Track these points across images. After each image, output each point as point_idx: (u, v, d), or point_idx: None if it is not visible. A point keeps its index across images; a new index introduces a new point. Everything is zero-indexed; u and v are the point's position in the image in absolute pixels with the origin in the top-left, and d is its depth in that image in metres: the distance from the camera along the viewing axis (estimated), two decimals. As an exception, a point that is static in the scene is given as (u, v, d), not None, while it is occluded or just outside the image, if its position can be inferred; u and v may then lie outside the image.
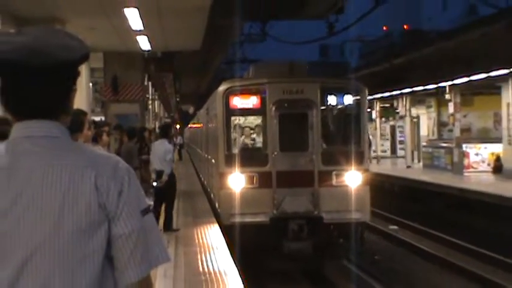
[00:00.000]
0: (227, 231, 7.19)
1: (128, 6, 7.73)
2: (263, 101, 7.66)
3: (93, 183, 1.09)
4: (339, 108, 7.91)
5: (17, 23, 7.66)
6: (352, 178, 7.53)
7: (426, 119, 20.01)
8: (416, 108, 19.59)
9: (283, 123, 7.59)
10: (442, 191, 12.97)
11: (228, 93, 7.75)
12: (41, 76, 1.09)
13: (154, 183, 7.54)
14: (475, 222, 11.18)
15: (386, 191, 14.38)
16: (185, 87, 26.62)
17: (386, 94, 17.99)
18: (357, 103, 7.85)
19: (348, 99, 7.82)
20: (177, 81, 22.13)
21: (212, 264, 5.50)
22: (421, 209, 13.30)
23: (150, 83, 16.85)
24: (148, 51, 12.05)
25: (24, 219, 1.08)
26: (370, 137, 14.19)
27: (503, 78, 12.94)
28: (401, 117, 19.58)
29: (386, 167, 18.36)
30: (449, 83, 14.63)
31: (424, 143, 18.89)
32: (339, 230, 7.54)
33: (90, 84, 11.61)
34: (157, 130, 13.45)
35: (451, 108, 15.75)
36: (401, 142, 21.80)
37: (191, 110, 33.94)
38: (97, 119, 9.73)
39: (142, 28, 9.17)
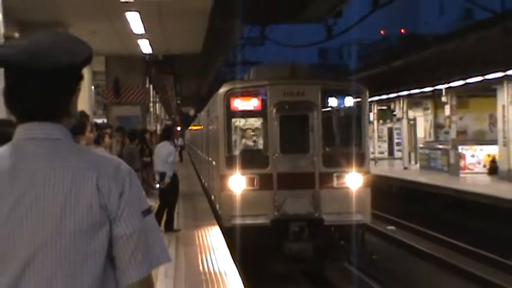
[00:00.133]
0: (228, 233, 7.17)
1: (129, 10, 7.81)
2: (264, 103, 7.65)
3: (94, 184, 1.10)
4: (340, 110, 7.89)
5: (20, 27, 7.74)
6: (353, 180, 7.51)
7: (423, 121, 20.17)
8: (413, 111, 19.75)
9: (284, 125, 7.58)
10: (438, 192, 13.12)
11: (229, 95, 7.73)
12: (43, 79, 1.10)
13: (157, 185, 7.61)
14: (471, 223, 11.29)
15: (383, 192, 14.51)
16: (186, 90, 26.66)
17: (384, 97, 18.14)
18: (358, 105, 7.84)
19: (349, 101, 7.80)
20: (177, 83, 22.14)
21: (212, 265, 5.54)
22: (418, 209, 13.41)
23: (151, 86, 16.85)
24: (150, 54, 12.11)
25: (27, 220, 1.09)
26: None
27: (499, 81, 13.10)
28: (399, 120, 19.77)
29: (383, 169, 18.49)
30: (446, 85, 14.81)
31: (421, 145, 19.05)
32: (340, 231, 7.53)
33: (92, 87, 11.67)
34: (158, 132, 13.57)
35: (447, 110, 15.93)
36: (398, 144, 22.01)
37: (192, 112, 33.94)
38: (99, 121, 9.77)
39: (143, 32, 9.25)
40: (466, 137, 16.67)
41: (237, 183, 7.56)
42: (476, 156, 15.53)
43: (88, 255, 1.09)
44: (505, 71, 12.09)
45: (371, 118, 20.91)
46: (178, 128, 33.12)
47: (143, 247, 1.12)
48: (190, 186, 12.83)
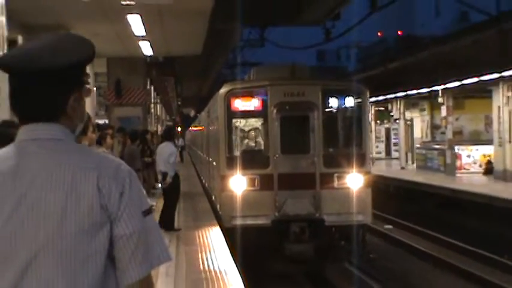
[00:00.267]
0: (228, 234, 7.09)
1: (130, 13, 7.86)
2: (264, 103, 7.60)
3: (95, 184, 1.11)
4: (341, 110, 7.84)
5: (23, 30, 7.81)
6: (354, 180, 7.46)
7: (420, 122, 20.31)
8: (410, 112, 19.89)
9: (284, 126, 7.52)
10: (435, 192, 13.25)
11: (230, 96, 7.68)
12: (39, 80, 1.11)
13: (159, 185, 7.65)
14: (466, 222, 11.39)
15: (381, 192, 14.65)
16: (186, 91, 26.65)
17: (381, 98, 18.29)
18: (358, 105, 7.78)
19: (350, 102, 7.75)
20: (178, 85, 22.09)
21: (213, 263, 5.55)
22: (414, 209, 13.51)
23: (152, 87, 16.85)
24: (151, 56, 12.17)
25: (28, 220, 1.10)
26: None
27: (494, 82, 13.21)
28: (396, 120, 19.95)
29: (381, 168, 18.61)
30: (442, 87, 14.95)
31: (418, 145, 19.15)
32: (341, 232, 7.50)
33: (94, 88, 11.75)
34: (159, 133, 13.65)
35: (443, 111, 16.08)
36: (395, 144, 22.15)
37: (192, 113, 34.01)
38: (101, 122, 9.83)
39: (144, 34, 9.28)
40: (462, 138, 16.83)
41: (238, 183, 7.53)
42: (472, 156, 15.69)
43: (89, 255, 1.10)
44: (501, 72, 12.25)
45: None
46: (179, 129, 33.16)
47: (143, 247, 1.13)
48: (191, 186, 12.76)
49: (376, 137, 22.52)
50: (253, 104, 7.70)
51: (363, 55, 33.39)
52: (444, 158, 16.00)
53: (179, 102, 31.32)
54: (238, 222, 7.42)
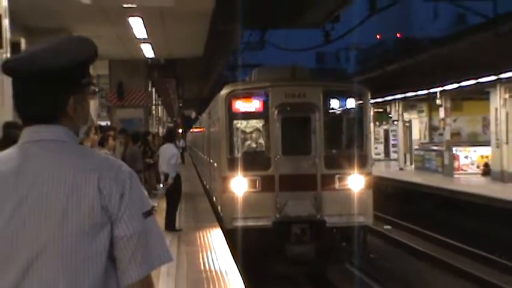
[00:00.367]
0: (229, 235, 7.07)
1: (132, 16, 7.91)
2: (265, 105, 7.57)
3: (96, 186, 1.11)
4: (342, 111, 7.81)
5: (26, 33, 7.89)
6: (355, 182, 7.44)
7: (418, 123, 20.43)
8: (409, 113, 20.01)
9: (285, 127, 7.49)
10: (433, 192, 13.37)
11: (231, 97, 7.66)
12: (38, 81, 1.13)
13: (161, 186, 7.71)
14: (464, 222, 11.48)
15: (380, 192, 14.73)
16: (187, 93, 26.64)
17: (380, 99, 18.42)
18: (360, 107, 7.75)
19: (351, 103, 7.73)
20: (179, 87, 22.08)
21: (213, 263, 5.58)
22: (413, 209, 13.59)
23: (153, 89, 16.92)
24: (152, 58, 12.29)
25: (29, 221, 1.10)
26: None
27: (492, 84, 13.36)
28: (394, 122, 20.07)
29: (380, 169, 18.73)
30: (440, 89, 15.07)
31: (416, 146, 19.30)
32: (342, 233, 7.48)
33: (96, 90, 11.85)
34: (160, 134, 13.71)
35: (441, 113, 16.22)
36: (394, 145, 22.28)
37: (193, 114, 34.06)
38: (103, 123, 9.93)
39: (146, 36, 9.33)
40: (459, 139, 16.95)
41: (239, 185, 7.51)
42: (469, 157, 15.80)
43: (90, 256, 1.11)
44: (498, 74, 12.38)
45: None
46: (180, 130, 33.25)
47: (143, 248, 1.13)
48: (192, 187, 12.78)
49: (375, 139, 22.64)
50: (254, 105, 7.70)
51: (362, 57, 33.55)
52: (442, 159, 16.12)
53: (180, 104, 31.36)
54: (239, 223, 7.40)
